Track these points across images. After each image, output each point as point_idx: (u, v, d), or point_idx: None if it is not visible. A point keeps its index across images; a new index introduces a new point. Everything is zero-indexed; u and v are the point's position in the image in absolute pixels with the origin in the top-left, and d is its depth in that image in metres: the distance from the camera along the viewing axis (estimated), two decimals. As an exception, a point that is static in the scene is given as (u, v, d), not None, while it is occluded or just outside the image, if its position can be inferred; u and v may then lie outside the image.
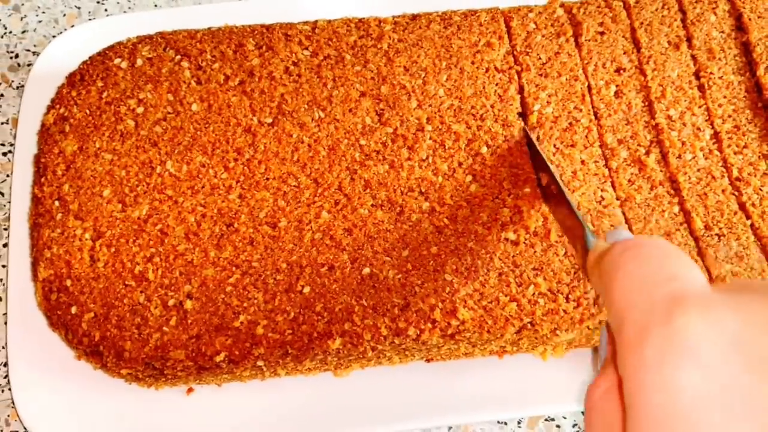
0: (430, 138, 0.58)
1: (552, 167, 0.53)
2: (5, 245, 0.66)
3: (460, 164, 0.57)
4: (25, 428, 0.61)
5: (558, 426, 0.62)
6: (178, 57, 0.60)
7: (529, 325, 0.52)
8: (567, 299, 0.52)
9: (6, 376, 0.63)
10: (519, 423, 0.62)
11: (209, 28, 0.61)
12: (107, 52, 0.60)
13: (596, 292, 0.35)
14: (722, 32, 0.62)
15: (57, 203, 0.56)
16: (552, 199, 0.53)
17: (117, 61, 0.60)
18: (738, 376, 0.27)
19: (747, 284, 0.32)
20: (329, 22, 0.61)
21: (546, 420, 0.62)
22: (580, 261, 0.43)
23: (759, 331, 0.27)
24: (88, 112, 0.58)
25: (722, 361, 0.27)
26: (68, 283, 0.54)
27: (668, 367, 0.27)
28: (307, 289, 0.53)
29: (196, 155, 0.57)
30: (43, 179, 0.57)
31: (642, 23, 0.62)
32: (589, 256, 0.38)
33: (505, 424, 0.62)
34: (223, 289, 0.53)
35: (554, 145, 0.58)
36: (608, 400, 0.32)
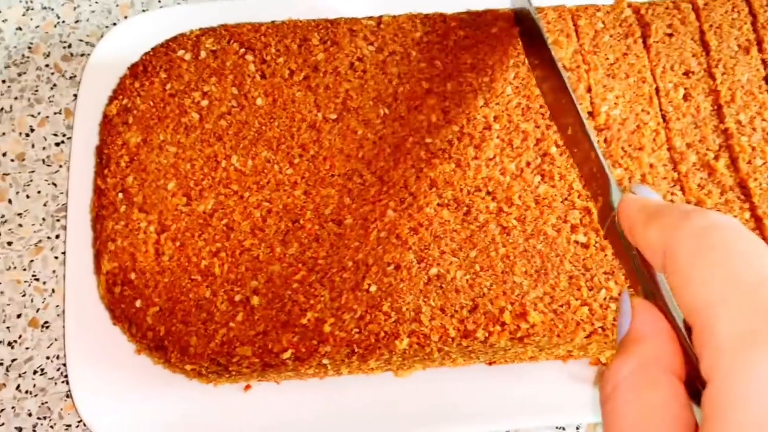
0: (498, 137, 0.57)
1: (581, 110, 0.48)
2: (58, 237, 0.66)
3: (528, 164, 0.56)
4: (79, 421, 0.61)
5: (616, 432, 0.61)
6: (243, 50, 0.59)
7: (600, 329, 0.52)
8: (639, 304, 0.51)
9: (59, 369, 0.63)
10: (577, 429, 0.61)
11: (273, 22, 0.61)
12: (170, 43, 0.60)
13: (620, 251, 0.33)
14: (792, 36, 0.61)
15: (121, 195, 0.55)
16: (576, 146, 0.49)
17: (180, 53, 0.59)
18: None
19: None
20: (394, 17, 0.60)
21: (604, 425, 0.61)
22: (600, 214, 0.41)
23: None
24: (151, 103, 0.58)
25: None
26: (132, 276, 0.53)
27: None
28: (373, 288, 0.52)
29: (261, 150, 0.56)
30: (106, 171, 0.56)
31: (711, 26, 0.61)
32: (622, 207, 0.35)
33: (563, 429, 0.61)
34: (290, 286, 0.53)
35: (622, 148, 0.57)
36: (636, 383, 0.29)
